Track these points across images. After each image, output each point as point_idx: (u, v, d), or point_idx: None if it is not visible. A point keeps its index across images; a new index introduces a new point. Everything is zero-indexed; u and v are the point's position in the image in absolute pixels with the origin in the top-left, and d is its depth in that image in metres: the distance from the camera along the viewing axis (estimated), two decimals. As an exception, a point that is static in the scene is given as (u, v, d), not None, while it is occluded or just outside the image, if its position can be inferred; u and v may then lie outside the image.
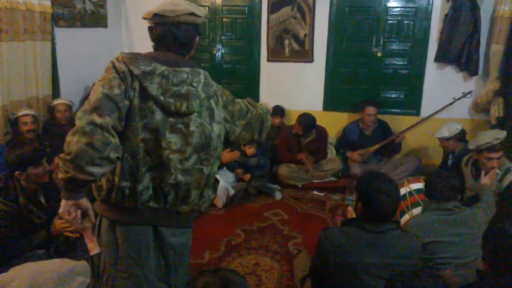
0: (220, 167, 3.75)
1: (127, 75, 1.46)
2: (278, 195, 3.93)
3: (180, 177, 1.57)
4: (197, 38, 1.64)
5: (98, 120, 1.37)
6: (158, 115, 1.50)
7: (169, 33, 1.55)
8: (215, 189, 1.78)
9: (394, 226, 1.79)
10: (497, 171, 2.79)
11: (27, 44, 3.58)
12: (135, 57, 1.48)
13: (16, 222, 2.24)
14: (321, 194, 4.02)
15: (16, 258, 2.13)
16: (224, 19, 4.75)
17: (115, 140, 1.41)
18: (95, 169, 1.36)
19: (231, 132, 1.70)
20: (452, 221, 2.10)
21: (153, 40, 1.61)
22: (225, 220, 3.46)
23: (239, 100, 1.73)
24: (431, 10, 4.26)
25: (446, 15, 4.13)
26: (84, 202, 1.46)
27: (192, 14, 1.54)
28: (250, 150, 3.99)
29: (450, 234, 2.07)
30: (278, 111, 4.60)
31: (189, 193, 1.61)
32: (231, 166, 4.02)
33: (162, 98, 1.48)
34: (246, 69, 4.84)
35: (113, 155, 1.40)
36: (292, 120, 4.50)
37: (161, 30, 1.56)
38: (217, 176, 3.50)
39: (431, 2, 4.25)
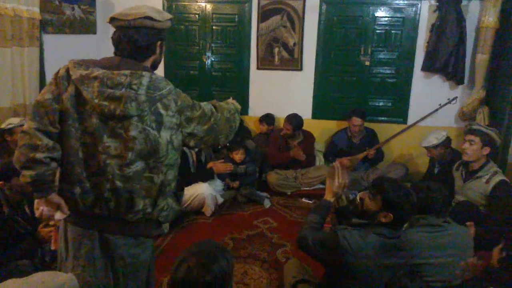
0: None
1: (63, 79, 1.51)
2: (267, 203, 3.92)
3: (118, 184, 1.52)
4: (159, 43, 1.60)
5: (25, 126, 1.47)
6: (95, 118, 1.49)
7: (125, 37, 1.53)
8: (177, 198, 1.71)
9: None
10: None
11: (14, 50, 3.54)
12: (78, 63, 1.51)
13: (0, 231, 2.20)
14: (310, 201, 4.03)
15: (0, 268, 2.11)
16: (214, 27, 4.77)
17: (43, 142, 1.45)
18: (28, 172, 1.45)
19: (190, 137, 1.63)
20: (440, 241, 2.00)
21: (112, 44, 1.59)
22: (214, 228, 3.45)
23: (203, 104, 1.65)
24: (418, 20, 4.33)
25: (433, 25, 4.21)
26: (53, 197, 1.52)
27: (149, 18, 1.51)
28: (237, 156, 3.99)
29: (437, 256, 1.97)
30: (268, 119, 4.63)
31: (133, 201, 1.55)
32: (221, 174, 4.01)
33: (96, 101, 1.46)
34: (235, 76, 4.86)
35: (40, 155, 1.44)
36: (281, 126, 4.51)
37: (118, 34, 1.55)
38: (206, 184, 3.59)
39: (418, 12, 4.32)
